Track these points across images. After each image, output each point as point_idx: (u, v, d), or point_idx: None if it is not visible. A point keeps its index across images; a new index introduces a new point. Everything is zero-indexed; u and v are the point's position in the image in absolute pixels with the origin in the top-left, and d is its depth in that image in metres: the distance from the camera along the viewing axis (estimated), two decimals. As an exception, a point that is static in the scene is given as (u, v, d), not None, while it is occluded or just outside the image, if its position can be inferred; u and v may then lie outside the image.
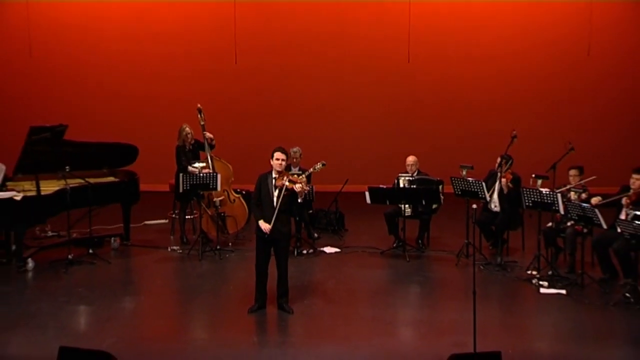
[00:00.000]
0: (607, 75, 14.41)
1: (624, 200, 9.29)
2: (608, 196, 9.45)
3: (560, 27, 14.27)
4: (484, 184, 10.36)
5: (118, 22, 14.56)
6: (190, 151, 11.13)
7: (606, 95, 14.48)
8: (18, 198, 10.03)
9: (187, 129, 11.13)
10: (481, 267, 10.10)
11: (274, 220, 8.36)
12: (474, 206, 10.13)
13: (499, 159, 10.47)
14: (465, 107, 14.55)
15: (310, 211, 11.44)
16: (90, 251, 10.59)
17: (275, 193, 8.43)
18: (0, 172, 10.33)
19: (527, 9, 14.33)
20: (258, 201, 8.52)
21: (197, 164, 10.90)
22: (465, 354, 6.73)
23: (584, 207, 9.25)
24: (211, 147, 11.03)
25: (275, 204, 8.40)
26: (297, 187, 8.40)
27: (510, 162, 10.47)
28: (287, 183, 8.39)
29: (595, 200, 9.38)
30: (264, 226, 8.39)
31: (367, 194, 10.72)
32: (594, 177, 9.87)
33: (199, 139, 11.11)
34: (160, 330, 8.43)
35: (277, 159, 8.43)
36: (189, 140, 11.13)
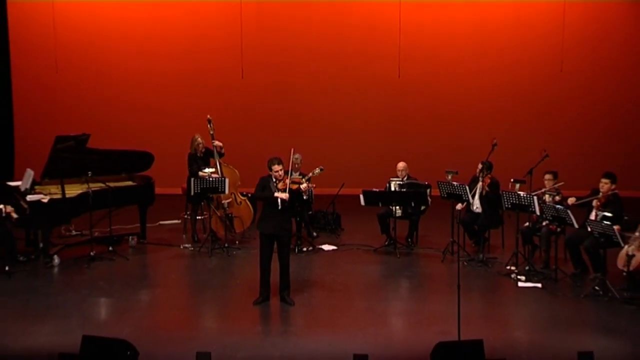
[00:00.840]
0: (578, 89, 14.43)
1: (594, 203, 9.31)
2: (579, 199, 9.50)
3: (536, 46, 14.29)
4: (467, 187, 10.37)
5: (136, 42, 14.56)
6: (201, 158, 11.14)
7: (577, 108, 14.50)
8: (45, 200, 10.04)
9: (199, 139, 11.15)
10: (465, 263, 10.11)
11: (283, 218, 8.40)
12: (458, 207, 10.23)
13: (480, 165, 10.50)
14: (450, 118, 14.57)
15: (310, 212, 11.45)
16: (110, 248, 10.61)
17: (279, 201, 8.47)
18: (29, 177, 10.34)
19: (507, 30, 14.34)
20: (263, 190, 8.50)
21: (207, 170, 10.91)
22: (450, 342, 6.73)
23: (558, 208, 9.28)
24: (220, 155, 11.04)
25: (279, 204, 8.43)
26: (303, 186, 8.46)
27: (490, 168, 10.50)
28: (290, 185, 8.44)
29: (571, 200, 9.43)
30: (283, 195, 8.36)
31: (361, 196, 10.71)
32: (562, 182, 9.90)
33: (209, 147, 11.13)
34: (173, 320, 8.44)
35: (276, 171, 8.45)
36: (200, 149, 11.14)
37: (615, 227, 8.69)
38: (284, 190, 8.42)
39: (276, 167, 8.44)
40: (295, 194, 8.59)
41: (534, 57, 14.35)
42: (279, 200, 8.36)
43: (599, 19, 14.20)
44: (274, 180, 8.47)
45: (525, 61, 14.38)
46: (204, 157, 11.17)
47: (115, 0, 14.47)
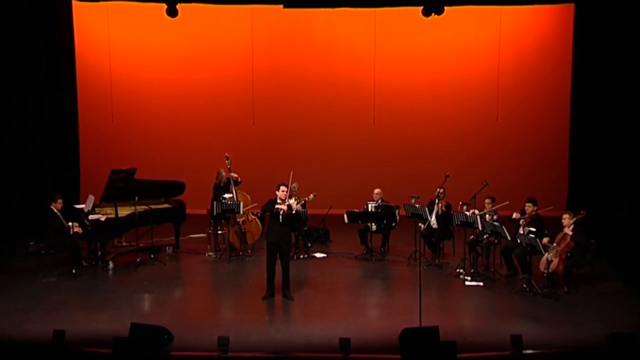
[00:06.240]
0: (509, 133, 14.51)
1: (521, 221, 9.42)
2: (510, 217, 9.62)
3: (477, 102, 14.40)
4: (426, 209, 10.45)
5: (171, 98, 14.57)
6: (223, 187, 11.21)
7: (510, 148, 14.58)
8: (102, 219, 10.11)
9: (223, 172, 11.25)
10: (425, 267, 10.11)
11: (283, 231, 8.53)
12: (420, 224, 10.30)
13: (437, 191, 10.58)
14: (413, 155, 14.61)
15: (305, 228, 11.46)
16: (152, 256, 10.63)
17: (280, 212, 8.60)
18: (91, 201, 10.41)
19: (456, 89, 14.42)
20: (271, 206, 8.67)
21: (226, 195, 10.97)
22: (414, 328, 6.79)
23: (495, 225, 9.39)
24: (237, 184, 11.11)
25: (281, 219, 8.56)
26: (291, 201, 8.62)
27: (444, 194, 10.59)
28: (287, 202, 8.59)
29: (516, 215, 9.53)
30: (283, 206, 8.53)
31: (345, 215, 10.79)
32: (498, 205, 9.97)
33: (229, 177, 11.20)
34: (199, 311, 8.48)
35: (283, 191, 8.64)
36: (223, 180, 11.23)
37: (545, 239, 8.84)
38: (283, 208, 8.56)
39: (282, 188, 8.68)
40: (293, 216, 8.71)
41: (476, 110, 14.48)
42: (280, 212, 8.51)
43: (526, 81, 14.38)
44: (278, 200, 8.62)
45: (470, 113, 14.49)
46: (225, 186, 11.24)
47: (156, 67, 14.58)
